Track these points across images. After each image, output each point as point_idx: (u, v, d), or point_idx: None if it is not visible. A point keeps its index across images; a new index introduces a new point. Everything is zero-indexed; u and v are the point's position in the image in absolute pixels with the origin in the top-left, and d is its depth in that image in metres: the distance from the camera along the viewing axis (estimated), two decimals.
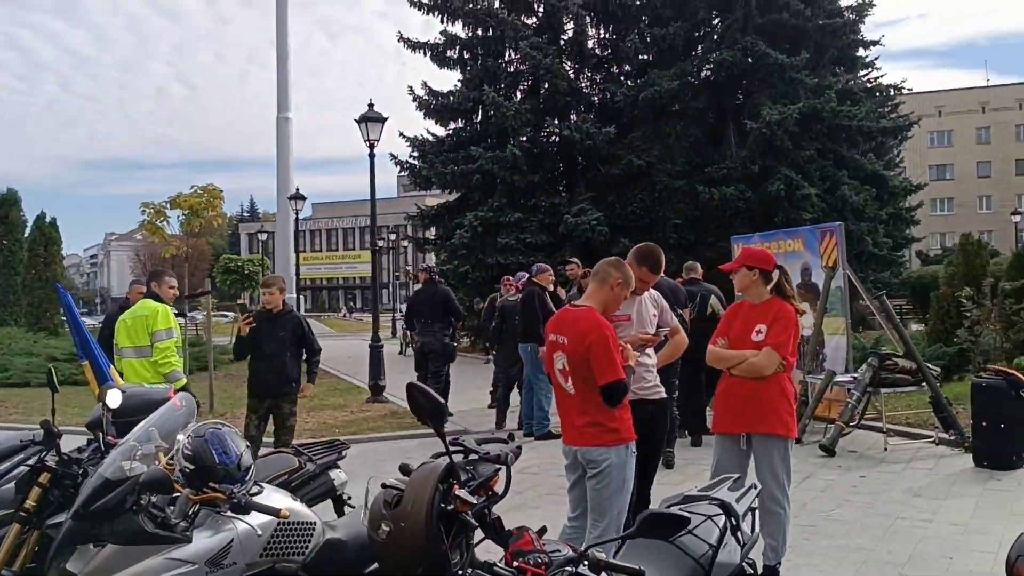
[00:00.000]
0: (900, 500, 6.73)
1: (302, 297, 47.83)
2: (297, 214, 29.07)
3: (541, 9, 24.85)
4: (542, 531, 2.59)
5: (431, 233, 27.81)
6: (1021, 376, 7.75)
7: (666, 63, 23.10)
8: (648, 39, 23.36)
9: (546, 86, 23.52)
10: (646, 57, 24.16)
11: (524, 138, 23.37)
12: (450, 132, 25.34)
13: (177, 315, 7.21)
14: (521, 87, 24.79)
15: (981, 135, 69.23)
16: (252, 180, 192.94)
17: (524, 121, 22.62)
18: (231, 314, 46.21)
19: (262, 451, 6.02)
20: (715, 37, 23.57)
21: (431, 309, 11.02)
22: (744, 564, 3.48)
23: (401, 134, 24.28)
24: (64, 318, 12.30)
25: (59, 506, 3.43)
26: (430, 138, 25.17)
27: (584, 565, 2.34)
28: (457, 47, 25.04)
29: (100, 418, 3.74)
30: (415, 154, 24.94)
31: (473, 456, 4.31)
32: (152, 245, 62.33)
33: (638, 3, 23.55)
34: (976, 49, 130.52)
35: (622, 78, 24.57)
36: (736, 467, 4.85)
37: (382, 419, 11.38)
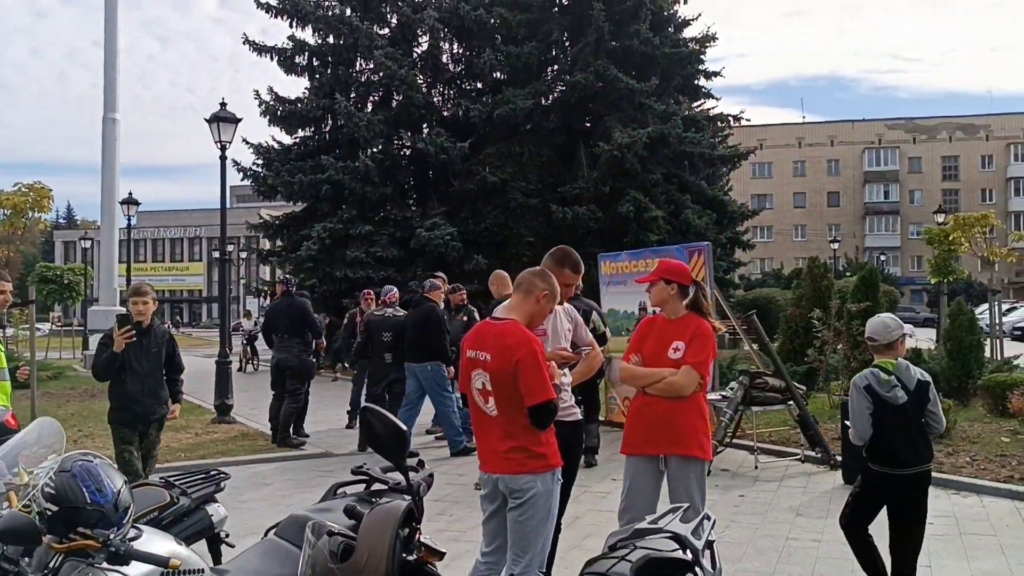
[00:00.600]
0: (785, 520, 6.74)
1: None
2: (130, 220, 27.14)
3: (395, 20, 24.46)
4: None
5: (265, 244, 26.68)
6: None
7: (520, 82, 23.17)
8: (503, 57, 23.35)
9: (400, 98, 23.06)
10: (500, 75, 24.16)
11: (376, 149, 22.79)
12: (297, 140, 24.42)
13: None
14: (373, 97, 24.21)
15: (797, 168, 74.21)
16: (68, 186, 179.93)
17: (377, 132, 22.04)
18: (46, 326, 42.65)
19: None
20: (568, 59, 23.88)
21: (288, 323, 10.33)
22: None
23: (245, 140, 23.11)
24: None
25: None
26: (276, 146, 24.14)
27: None
28: (306, 53, 24.21)
29: None
30: (259, 162, 23.81)
31: (379, 486, 3.86)
32: None
33: (493, 21, 23.52)
34: (788, 89, 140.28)
35: (475, 95, 24.44)
36: (649, 490, 4.63)
37: (232, 441, 10.53)
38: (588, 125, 23.90)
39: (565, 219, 21.55)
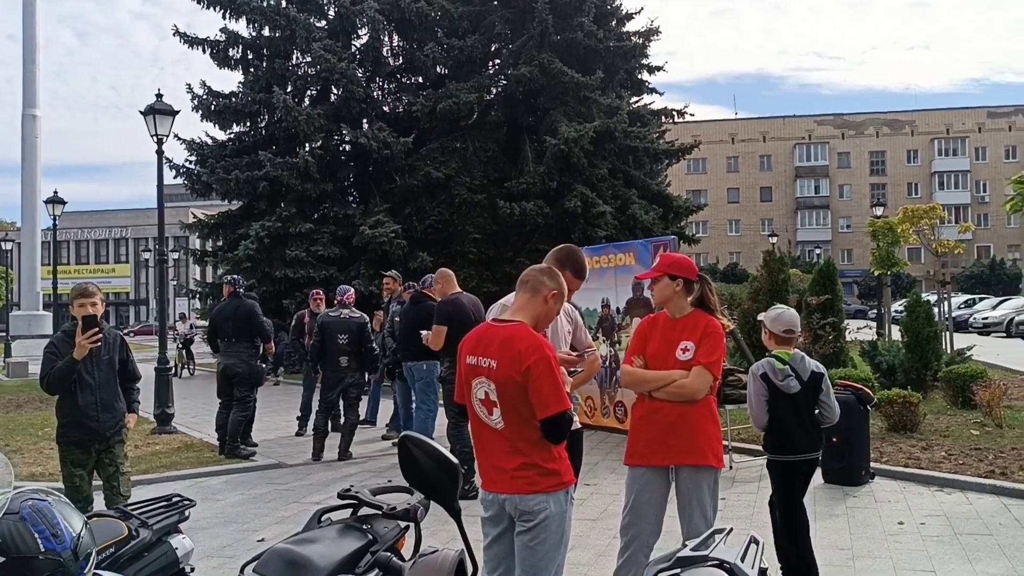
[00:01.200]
0: None
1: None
2: (55, 221, 25.85)
3: (333, 11, 23.80)
4: None
5: (198, 245, 25.74)
6: (869, 391, 7.80)
7: (463, 76, 22.73)
8: (445, 51, 22.85)
9: (339, 92, 22.44)
10: (442, 69, 23.66)
11: (315, 145, 22.11)
12: (232, 136, 23.59)
13: None
14: (311, 91, 23.52)
15: (731, 164, 75.22)
16: None
17: (316, 127, 21.36)
18: None
19: None
20: (512, 52, 23.48)
21: (234, 326, 9.69)
22: None
23: (177, 136, 22.16)
24: None
25: None
26: (209, 142, 23.27)
27: None
28: (240, 46, 23.44)
29: None
30: (193, 159, 22.92)
31: (371, 511, 3.40)
32: None
33: (435, 14, 23.00)
34: (717, 87, 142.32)
35: (417, 89, 23.89)
36: (656, 504, 4.25)
37: (176, 453, 9.86)
38: (533, 119, 23.57)
39: (512, 215, 21.18)
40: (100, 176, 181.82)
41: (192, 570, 3.90)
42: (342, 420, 9.77)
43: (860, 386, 7.81)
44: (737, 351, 10.86)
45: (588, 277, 11.06)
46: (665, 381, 4.19)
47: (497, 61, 24.52)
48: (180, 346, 23.16)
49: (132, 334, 50.78)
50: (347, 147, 23.18)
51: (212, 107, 22.68)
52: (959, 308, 31.76)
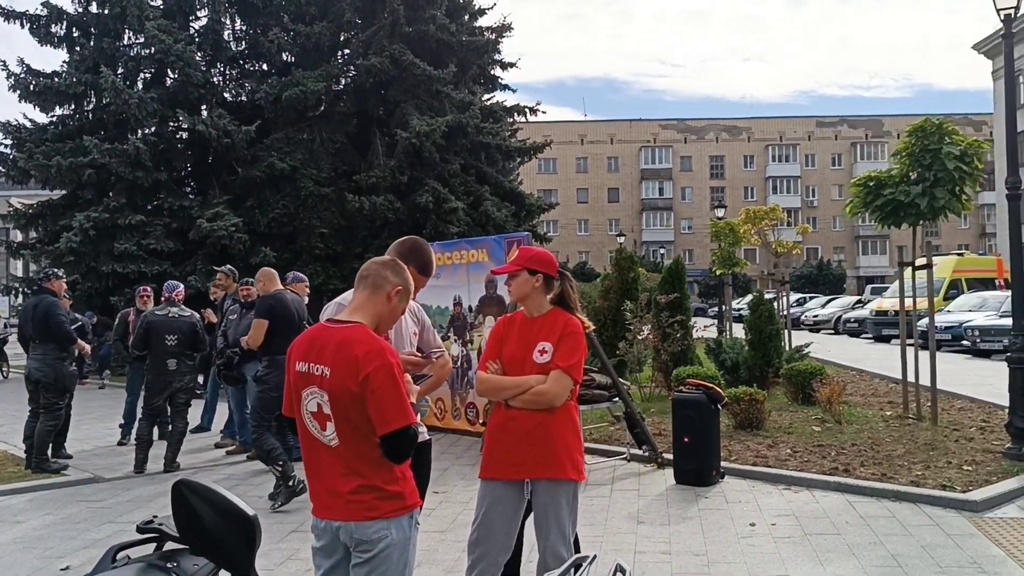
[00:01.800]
0: (628, 530, 6.24)
1: None
2: None
3: None
4: None
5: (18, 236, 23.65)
6: (719, 389, 7.76)
7: (310, 64, 21.85)
8: (291, 37, 21.86)
9: (176, 75, 21.06)
10: (288, 56, 22.65)
11: (148, 131, 20.67)
12: (55, 119, 21.74)
13: None
14: (144, 74, 21.96)
15: (580, 164, 76.66)
16: None
17: (149, 112, 19.94)
18: None
19: None
20: (362, 42, 22.72)
21: (34, 327, 8.59)
22: None
23: None
24: None
25: None
26: (28, 124, 21.35)
27: None
28: (64, 22, 21.62)
29: None
30: (8, 142, 20.98)
31: (177, 546, 2.88)
32: None
33: None
34: (566, 89, 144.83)
35: (261, 76, 22.77)
36: (509, 519, 3.90)
37: None
38: (384, 112, 22.94)
39: (361, 209, 20.50)
40: None
41: None
42: (169, 428, 8.93)
43: (711, 385, 7.76)
44: (591, 351, 10.67)
45: (439, 274, 10.62)
46: (522, 388, 3.83)
47: (347, 50, 23.71)
48: None
49: None
50: (184, 134, 21.78)
51: (32, 87, 20.81)
52: (792, 306, 33.37)
